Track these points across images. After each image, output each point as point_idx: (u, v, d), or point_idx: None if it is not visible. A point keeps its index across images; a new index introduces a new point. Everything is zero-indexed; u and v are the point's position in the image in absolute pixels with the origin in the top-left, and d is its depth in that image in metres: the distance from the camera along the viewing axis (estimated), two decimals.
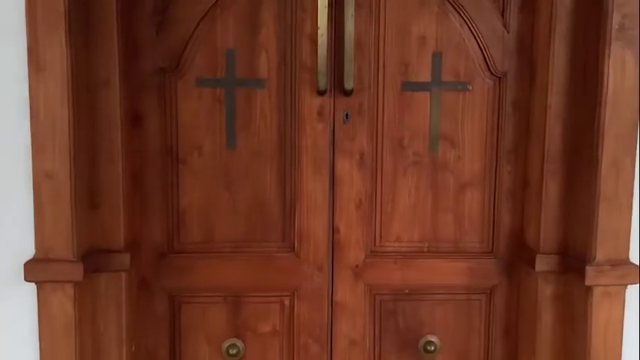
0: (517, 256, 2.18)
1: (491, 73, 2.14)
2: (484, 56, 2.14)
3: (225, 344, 2.17)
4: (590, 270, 1.89)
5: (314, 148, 2.09)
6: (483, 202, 2.19)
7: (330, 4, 1.98)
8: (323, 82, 2.02)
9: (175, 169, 2.13)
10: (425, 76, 2.11)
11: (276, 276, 2.15)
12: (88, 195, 1.93)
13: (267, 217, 2.17)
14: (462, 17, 2.08)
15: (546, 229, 2.06)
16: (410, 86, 2.13)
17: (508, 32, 2.12)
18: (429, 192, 2.19)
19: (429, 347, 2.18)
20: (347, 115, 2.11)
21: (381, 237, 2.21)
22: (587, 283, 1.90)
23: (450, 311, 2.22)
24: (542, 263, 2.04)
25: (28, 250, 1.82)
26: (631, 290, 1.95)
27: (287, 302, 2.18)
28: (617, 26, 1.84)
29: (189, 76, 2.10)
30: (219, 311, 2.16)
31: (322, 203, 2.12)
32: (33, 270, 1.80)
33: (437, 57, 2.13)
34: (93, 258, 1.88)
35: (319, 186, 2.10)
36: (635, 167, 1.92)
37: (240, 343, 2.17)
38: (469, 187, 2.19)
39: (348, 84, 2.03)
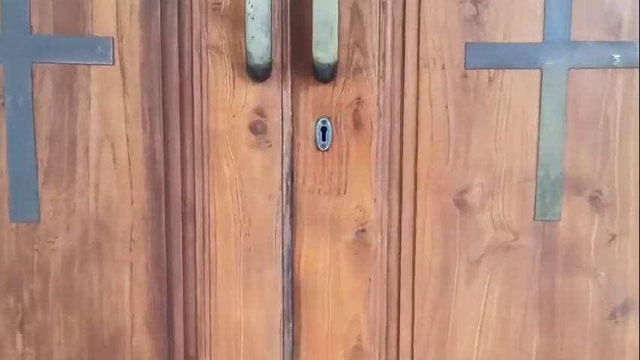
0: None
1: None
2: None
3: None
4: None
5: (243, 216, 0.92)
6: None
7: None
8: (263, 45, 0.83)
9: None
10: (527, 30, 0.88)
11: None
12: None
13: None
14: None
15: None
16: (487, 56, 0.88)
17: None
18: (534, 319, 0.93)
19: None
20: (324, 130, 0.91)
21: None
22: None
23: None
24: None
25: None
26: None
27: None
28: None
29: None
30: None
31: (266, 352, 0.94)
32: None
33: None
34: None
35: (258, 312, 0.94)
36: None
37: None
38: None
39: (325, 51, 0.84)
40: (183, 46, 0.88)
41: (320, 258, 0.93)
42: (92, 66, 0.87)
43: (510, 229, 0.91)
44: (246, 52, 0.83)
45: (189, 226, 0.92)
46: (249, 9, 0.81)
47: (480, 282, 0.92)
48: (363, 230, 0.92)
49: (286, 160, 0.91)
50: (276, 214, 0.91)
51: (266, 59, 0.83)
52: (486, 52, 0.87)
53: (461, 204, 0.91)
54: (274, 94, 0.89)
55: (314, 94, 0.89)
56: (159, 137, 0.89)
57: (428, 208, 0.91)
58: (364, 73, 0.88)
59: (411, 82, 0.89)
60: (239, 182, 0.90)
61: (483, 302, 0.93)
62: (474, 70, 0.88)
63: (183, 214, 0.91)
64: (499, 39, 0.87)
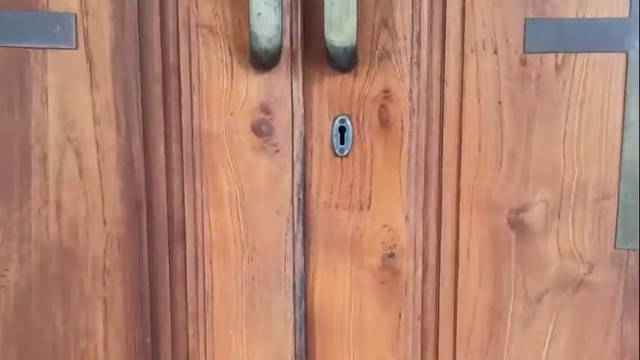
0: None
1: None
2: None
3: None
4: None
5: (245, 237, 0.85)
6: None
7: None
8: (273, 25, 0.74)
9: None
10: (608, 1, 0.76)
11: None
12: None
13: None
14: None
15: None
16: (554, 36, 0.76)
17: None
18: None
19: None
20: (343, 131, 0.82)
21: None
22: None
23: None
24: None
25: None
26: None
27: None
28: None
29: None
30: None
31: None
32: None
33: None
34: None
35: (264, 353, 0.88)
36: None
37: None
38: None
39: (340, 32, 0.72)
40: (167, 26, 0.78)
41: (338, 288, 0.84)
42: (49, 50, 0.77)
43: (583, 260, 0.79)
44: (250, 33, 0.71)
45: (178, 251, 0.83)
46: None
47: (541, 325, 0.81)
48: (392, 254, 0.83)
49: (297, 167, 0.81)
50: (285, 235, 0.82)
51: (275, 42, 0.72)
52: (553, 30, 0.74)
53: (517, 225, 0.79)
54: (282, 86, 0.78)
55: (330, 86, 0.78)
56: (137, 141, 0.79)
57: (474, 229, 0.80)
58: (393, 59, 0.78)
59: (454, 70, 0.78)
60: (240, 195, 0.81)
61: (545, 351, 0.81)
62: (536, 55, 0.75)
63: (170, 236, 0.83)
64: (570, 14, 0.74)
